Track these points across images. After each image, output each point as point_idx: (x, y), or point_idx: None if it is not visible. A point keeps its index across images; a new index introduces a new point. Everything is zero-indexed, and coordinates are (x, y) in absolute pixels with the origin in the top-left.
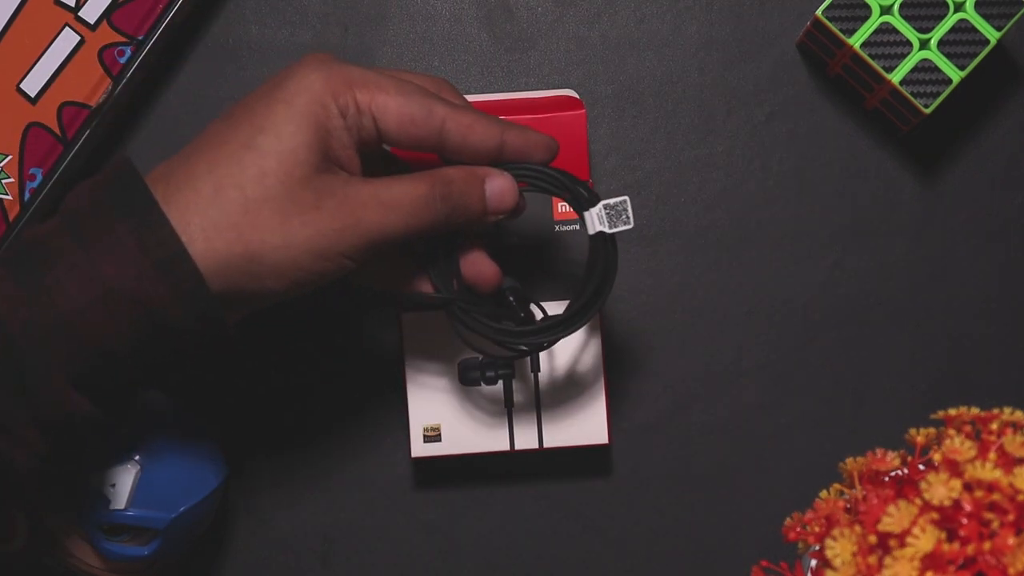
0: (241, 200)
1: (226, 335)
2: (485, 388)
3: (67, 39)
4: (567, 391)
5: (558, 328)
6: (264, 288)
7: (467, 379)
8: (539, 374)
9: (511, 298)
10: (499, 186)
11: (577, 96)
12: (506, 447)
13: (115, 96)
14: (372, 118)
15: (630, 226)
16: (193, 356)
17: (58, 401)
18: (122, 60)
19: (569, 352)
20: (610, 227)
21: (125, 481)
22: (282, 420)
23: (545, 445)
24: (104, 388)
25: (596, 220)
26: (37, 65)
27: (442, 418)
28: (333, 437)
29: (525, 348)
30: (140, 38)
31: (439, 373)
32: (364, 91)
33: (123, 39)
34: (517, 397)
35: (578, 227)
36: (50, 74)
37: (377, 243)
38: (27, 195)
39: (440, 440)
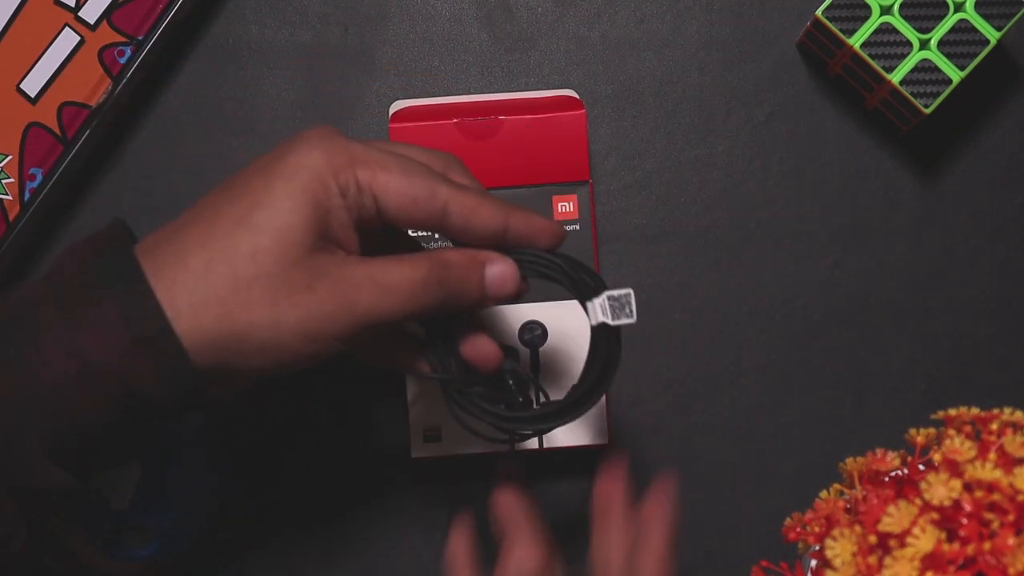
0: (231, 278)
1: (206, 407)
2: None
3: (67, 39)
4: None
5: (554, 416)
6: (250, 366)
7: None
8: (539, 375)
9: (510, 381)
10: (499, 272)
11: (577, 96)
12: (506, 448)
13: (115, 96)
14: (373, 197)
15: (632, 320)
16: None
17: (35, 474)
18: (122, 60)
19: (569, 353)
20: (613, 319)
21: (126, 482)
22: (281, 420)
23: (545, 446)
24: (82, 459)
25: (599, 311)
26: (37, 65)
27: (442, 418)
28: (333, 436)
29: (521, 433)
30: (140, 38)
31: None
32: (366, 169)
33: (123, 39)
34: None
35: (578, 228)
36: (50, 74)
37: (371, 326)
38: (27, 195)
39: (440, 440)
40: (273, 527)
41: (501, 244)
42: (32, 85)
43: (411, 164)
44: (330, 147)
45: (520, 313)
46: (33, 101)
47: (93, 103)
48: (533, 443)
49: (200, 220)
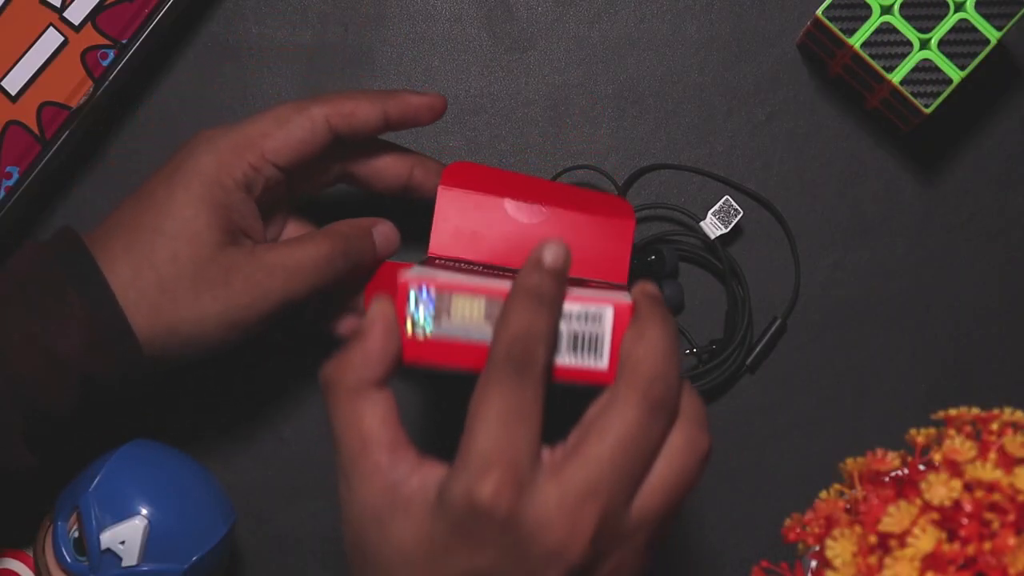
0: (157, 280)
1: (150, 391)
2: None
3: (50, 39)
4: None
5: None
6: (181, 355)
7: None
8: None
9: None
10: (384, 232)
11: (626, 200)
12: None
13: (96, 98)
14: (271, 165)
15: (740, 214)
16: (115, 406)
17: (12, 458)
18: (104, 63)
19: None
20: (726, 227)
21: (134, 537)
22: (280, 420)
23: None
24: (40, 441)
25: (712, 228)
26: (19, 63)
27: None
28: (332, 437)
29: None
30: (124, 42)
31: None
32: (252, 151)
33: (107, 42)
34: None
35: None
36: (32, 73)
37: (285, 308)
38: (3, 193)
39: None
40: (273, 527)
41: (388, 129)
42: (13, 83)
43: (283, 113)
44: (217, 149)
45: None
46: (13, 99)
47: (73, 104)
48: None
49: (120, 231)
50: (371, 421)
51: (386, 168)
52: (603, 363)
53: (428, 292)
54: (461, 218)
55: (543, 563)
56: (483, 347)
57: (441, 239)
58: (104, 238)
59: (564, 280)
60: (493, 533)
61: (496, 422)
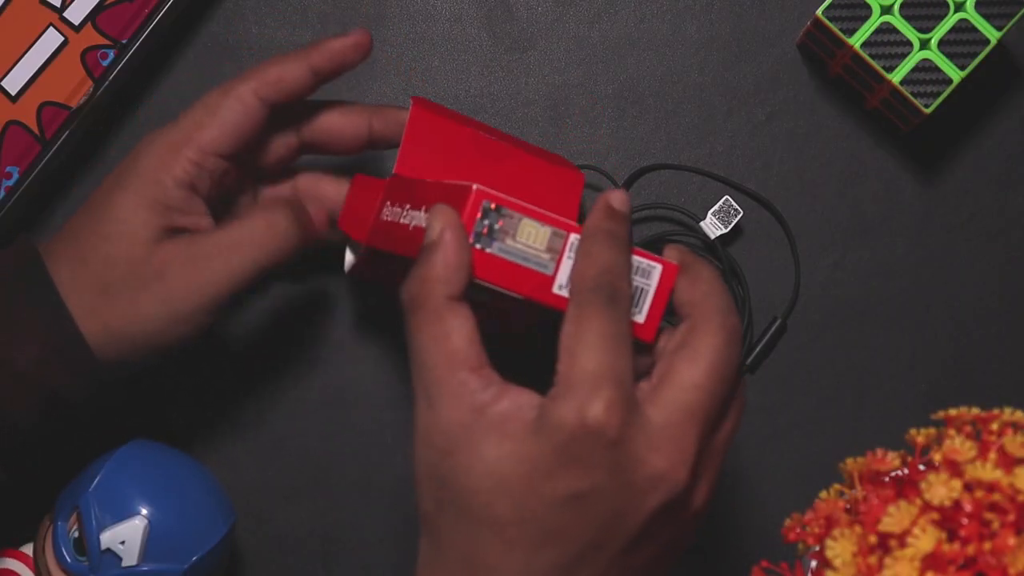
0: (96, 284)
1: (117, 401)
2: None
3: (51, 39)
4: None
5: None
6: (135, 357)
7: None
8: None
9: None
10: (335, 193)
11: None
12: None
13: (96, 98)
14: (213, 156)
15: (740, 214)
16: (84, 420)
17: None
18: (104, 63)
19: None
20: (726, 227)
21: (134, 537)
22: (280, 420)
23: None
24: (9, 455)
25: (712, 228)
26: (19, 63)
27: None
28: (332, 436)
29: None
30: (124, 42)
31: None
32: (189, 147)
33: (107, 42)
34: None
35: None
36: (32, 73)
37: (232, 290)
38: (3, 193)
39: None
40: (273, 527)
41: (322, 82)
42: (13, 83)
43: (211, 100)
44: (155, 150)
45: None
46: (13, 99)
47: (73, 104)
48: None
49: (67, 237)
50: (458, 339)
51: (342, 129)
52: (641, 317)
53: (500, 209)
54: (428, 142)
55: (647, 487)
56: (539, 275)
57: (408, 160)
58: (54, 245)
59: (630, 223)
60: (601, 454)
61: (599, 345)
